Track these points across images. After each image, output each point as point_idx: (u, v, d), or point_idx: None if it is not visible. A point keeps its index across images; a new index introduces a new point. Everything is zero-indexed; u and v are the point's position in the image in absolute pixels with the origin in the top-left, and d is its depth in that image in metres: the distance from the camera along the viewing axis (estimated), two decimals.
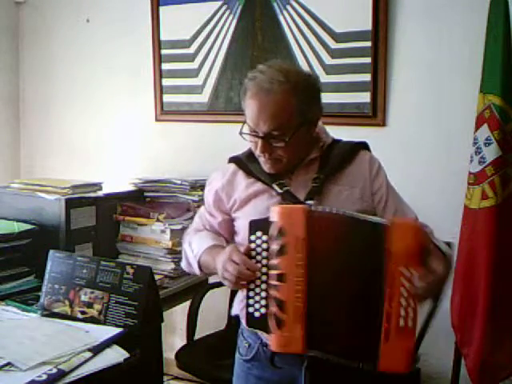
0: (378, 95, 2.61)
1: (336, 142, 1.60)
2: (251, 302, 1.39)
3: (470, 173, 2.22)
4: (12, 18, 3.44)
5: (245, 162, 1.59)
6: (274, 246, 1.36)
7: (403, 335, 1.31)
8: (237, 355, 1.67)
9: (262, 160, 1.53)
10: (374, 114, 2.63)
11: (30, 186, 2.43)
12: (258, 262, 1.39)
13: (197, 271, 1.59)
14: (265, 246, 1.38)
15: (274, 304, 1.35)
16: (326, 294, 1.36)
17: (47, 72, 3.43)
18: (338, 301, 1.36)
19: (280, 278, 1.34)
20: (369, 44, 2.59)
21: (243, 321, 1.58)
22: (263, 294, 1.38)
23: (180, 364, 2.46)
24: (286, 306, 1.34)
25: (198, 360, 2.46)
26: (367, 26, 2.58)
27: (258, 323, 1.40)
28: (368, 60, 2.60)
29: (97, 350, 1.60)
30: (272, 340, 1.37)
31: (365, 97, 2.62)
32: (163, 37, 3.06)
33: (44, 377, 1.44)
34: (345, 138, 1.62)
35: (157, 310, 1.86)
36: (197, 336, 2.61)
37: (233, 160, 1.64)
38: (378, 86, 2.60)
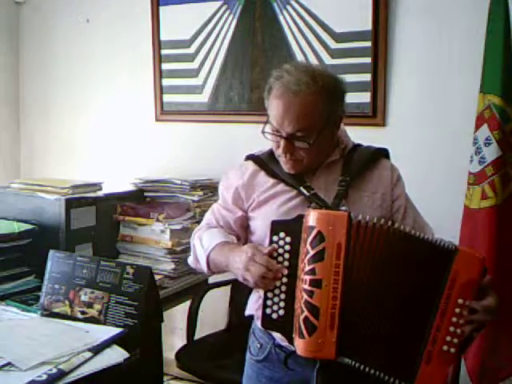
0: (378, 95, 2.61)
1: (357, 146, 1.61)
2: (269, 303, 1.38)
3: (469, 173, 2.22)
4: (12, 18, 3.45)
5: (266, 163, 1.58)
6: (311, 252, 1.33)
7: (444, 360, 1.33)
8: (248, 355, 1.66)
9: (282, 160, 1.52)
10: (374, 114, 2.63)
11: (29, 185, 2.43)
12: (279, 263, 1.37)
13: (204, 267, 1.55)
14: (287, 247, 1.37)
15: (307, 309, 1.33)
16: (364, 304, 1.35)
17: (47, 72, 3.43)
18: (377, 314, 1.36)
19: (315, 283, 1.33)
20: (369, 44, 2.59)
21: (258, 321, 1.57)
22: (283, 296, 1.37)
23: (180, 364, 2.46)
24: (320, 312, 1.32)
25: (198, 360, 2.46)
26: (367, 25, 2.58)
27: (275, 325, 1.39)
28: (368, 60, 2.60)
29: (97, 349, 1.60)
30: (301, 344, 1.35)
31: (365, 97, 2.62)
32: (163, 37, 3.06)
33: (44, 377, 1.44)
34: (365, 143, 1.62)
35: (157, 310, 1.86)
36: (197, 336, 2.61)
37: (252, 159, 1.61)
38: (378, 86, 2.61)
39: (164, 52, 3.08)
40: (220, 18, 2.92)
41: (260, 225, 1.53)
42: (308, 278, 1.33)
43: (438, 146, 2.55)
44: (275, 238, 1.38)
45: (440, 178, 2.54)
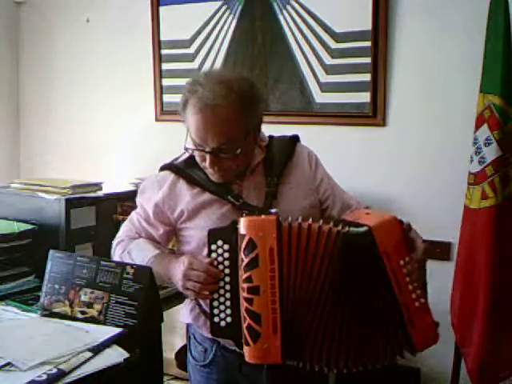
0: (378, 95, 2.61)
1: (270, 138, 1.60)
2: (216, 311, 1.38)
3: (470, 173, 2.22)
4: (12, 18, 3.45)
5: (185, 170, 1.55)
6: (245, 260, 1.33)
7: (422, 313, 1.37)
8: (191, 361, 1.65)
9: (209, 171, 1.49)
10: (374, 114, 2.62)
11: (29, 185, 2.43)
12: (220, 271, 1.38)
13: None
14: (226, 255, 1.37)
15: (249, 317, 1.33)
16: (305, 303, 1.36)
17: (47, 72, 3.43)
18: (321, 311, 1.36)
19: (253, 290, 1.33)
20: (369, 44, 2.59)
21: (200, 329, 1.57)
22: (228, 303, 1.37)
23: (180, 364, 2.46)
24: (261, 318, 1.33)
25: None
26: (367, 25, 2.58)
27: (224, 332, 1.40)
28: (368, 60, 2.60)
29: (97, 350, 1.60)
30: (248, 352, 1.35)
31: (365, 97, 2.62)
32: (163, 37, 3.06)
33: (44, 377, 1.43)
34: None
35: (157, 310, 1.85)
36: None
37: (169, 168, 1.59)
38: (378, 86, 2.61)
39: (164, 52, 3.08)
40: (220, 18, 2.92)
41: (195, 235, 1.52)
42: (246, 285, 1.34)
43: (438, 146, 2.55)
44: (213, 247, 1.38)
45: (440, 177, 2.53)
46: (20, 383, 1.40)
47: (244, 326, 1.34)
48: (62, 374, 1.46)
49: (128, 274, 1.78)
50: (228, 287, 1.37)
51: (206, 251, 1.40)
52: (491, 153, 2.15)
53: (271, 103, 2.80)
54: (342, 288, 1.36)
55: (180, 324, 2.95)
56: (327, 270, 1.36)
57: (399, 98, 2.61)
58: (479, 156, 2.18)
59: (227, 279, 1.37)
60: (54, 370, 1.47)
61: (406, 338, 1.37)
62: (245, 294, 1.34)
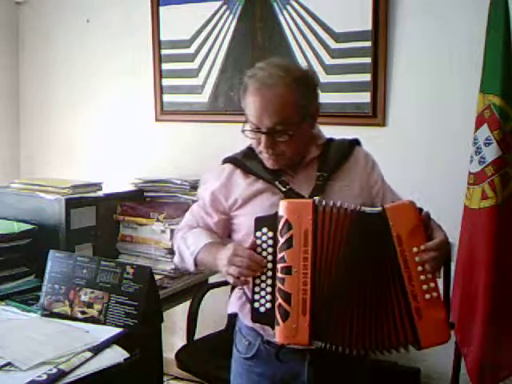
0: (378, 95, 2.61)
1: (330, 140, 1.64)
2: (257, 297, 1.40)
3: (469, 173, 2.22)
4: (12, 18, 3.45)
5: (242, 161, 1.61)
6: (281, 240, 1.37)
7: (433, 307, 1.36)
8: (235, 353, 1.67)
9: (264, 156, 1.54)
10: (374, 114, 2.63)
11: (30, 185, 2.43)
12: (263, 257, 1.40)
13: (191, 267, 1.59)
14: (270, 242, 1.40)
15: (280, 296, 1.36)
16: (335, 286, 1.38)
17: (47, 72, 3.43)
18: (350, 293, 1.38)
19: (286, 270, 1.36)
20: (369, 44, 2.59)
21: (244, 318, 1.59)
22: (269, 289, 1.39)
23: (180, 364, 2.46)
24: (291, 298, 1.35)
25: (198, 360, 2.46)
26: (367, 26, 2.58)
27: (263, 318, 1.41)
28: (368, 60, 2.60)
29: (97, 349, 1.60)
30: (277, 332, 1.38)
31: (365, 97, 2.62)
32: (163, 37, 3.06)
33: (44, 377, 1.44)
34: (338, 137, 1.65)
35: (157, 310, 1.86)
36: (197, 336, 2.60)
37: (228, 160, 1.64)
38: (378, 86, 2.61)
39: (164, 52, 3.08)
40: (220, 18, 2.92)
41: (245, 223, 1.55)
42: (279, 265, 1.37)
43: (438, 146, 2.55)
44: (258, 234, 1.41)
45: (440, 177, 2.53)
46: (20, 383, 1.40)
47: (276, 305, 1.36)
48: (61, 373, 1.46)
49: (128, 274, 1.79)
50: (270, 274, 1.39)
51: (253, 238, 1.43)
52: (491, 153, 2.15)
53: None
54: (359, 270, 1.38)
55: (180, 324, 2.96)
56: (349, 252, 1.38)
57: (399, 98, 2.61)
58: (479, 156, 2.18)
59: (270, 266, 1.40)
60: (54, 370, 1.47)
61: (412, 330, 1.36)
62: (278, 274, 1.37)
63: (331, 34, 2.68)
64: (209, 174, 1.67)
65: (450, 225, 2.24)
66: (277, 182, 1.53)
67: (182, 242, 1.63)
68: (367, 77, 2.61)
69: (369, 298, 1.38)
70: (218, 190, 1.61)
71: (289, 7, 2.76)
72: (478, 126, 2.19)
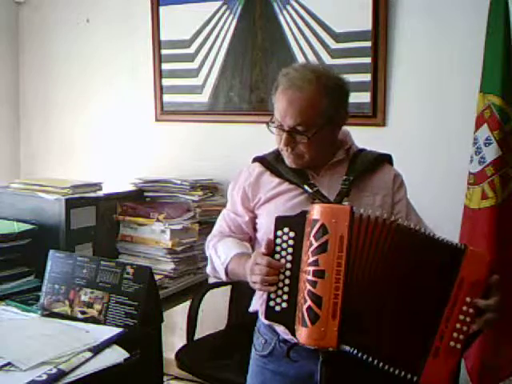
0: (378, 95, 2.61)
1: (361, 150, 1.66)
2: (272, 295, 1.41)
3: (469, 173, 2.22)
4: (12, 18, 3.45)
5: (272, 163, 1.64)
6: (314, 243, 1.37)
7: (450, 355, 1.36)
8: (253, 352, 1.69)
9: (284, 154, 1.58)
10: (374, 114, 2.63)
11: (29, 185, 2.43)
12: (282, 257, 1.40)
13: (223, 278, 1.61)
14: (291, 242, 1.40)
15: (310, 299, 1.36)
16: (366, 296, 1.38)
17: (47, 72, 3.43)
18: (380, 306, 1.38)
19: (319, 273, 1.36)
20: (369, 44, 2.59)
21: (262, 316, 1.59)
22: (286, 288, 1.39)
23: (180, 364, 2.46)
24: (322, 301, 1.35)
25: (198, 360, 2.46)
26: (367, 25, 2.58)
27: (277, 317, 1.42)
28: (368, 60, 2.60)
29: (97, 349, 1.60)
30: (304, 333, 1.37)
31: (365, 97, 2.62)
32: (163, 37, 3.06)
33: (44, 377, 1.44)
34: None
35: (157, 310, 1.86)
36: (197, 336, 2.60)
37: (258, 160, 1.67)
38: (378, 86, 2.61)
39: (164, 52, 3.07)
40: (220, 18, 2.92)
41: (265, 222, 1.59)
42: (311, 268, 1.36)
43: (438, 146, 2.55)
44: (279, 233, 1.41)
45: (440, 177, 2.53)
46: (20, 383, 1.40)
47: (304, 307, 1.36)
48: (62, 373, 1.47)
49: (128, 273, 1.79)
50: (288, 273, 1.40)
51: (272, 237, 1.44)
52: (491, 153, 2.15)
53: (271, 103, 2.80)
54: (397, 286, 1.37)
55: (180, 324, 2.96)
56: (389, 266, 1.38)
57: (399, 98, 2.61)
58: (479, 156, 2.18)
59: (288, 265, 1.40)
60: (54, 370, 1.47)
61: (419, 363, 1.35)
62: (309, 277, 1.36)
63: (331, 34, 2.68)
64: (242, 172, 1.70)
65: (450, 225, 2.26)
66: (304, 185, 1.55)
67: (214, 252, 1.65)
68: (367, 77, 2.61)
69: (399, 315, 1.38)
70: (248, 186, 1.64)
71: (289, 7, 2.76)
72: (477, 126, 2.20)
